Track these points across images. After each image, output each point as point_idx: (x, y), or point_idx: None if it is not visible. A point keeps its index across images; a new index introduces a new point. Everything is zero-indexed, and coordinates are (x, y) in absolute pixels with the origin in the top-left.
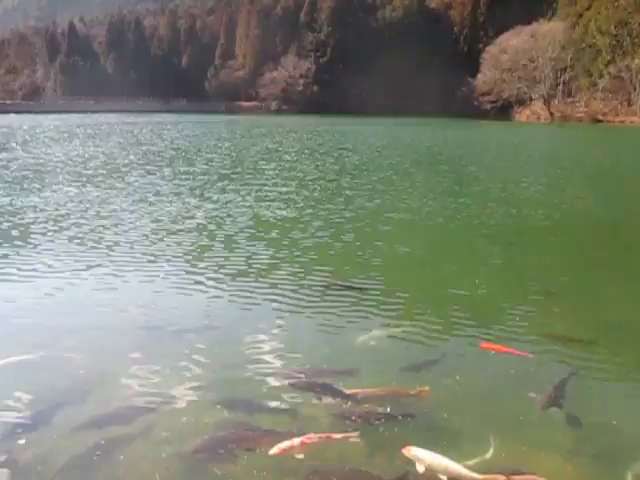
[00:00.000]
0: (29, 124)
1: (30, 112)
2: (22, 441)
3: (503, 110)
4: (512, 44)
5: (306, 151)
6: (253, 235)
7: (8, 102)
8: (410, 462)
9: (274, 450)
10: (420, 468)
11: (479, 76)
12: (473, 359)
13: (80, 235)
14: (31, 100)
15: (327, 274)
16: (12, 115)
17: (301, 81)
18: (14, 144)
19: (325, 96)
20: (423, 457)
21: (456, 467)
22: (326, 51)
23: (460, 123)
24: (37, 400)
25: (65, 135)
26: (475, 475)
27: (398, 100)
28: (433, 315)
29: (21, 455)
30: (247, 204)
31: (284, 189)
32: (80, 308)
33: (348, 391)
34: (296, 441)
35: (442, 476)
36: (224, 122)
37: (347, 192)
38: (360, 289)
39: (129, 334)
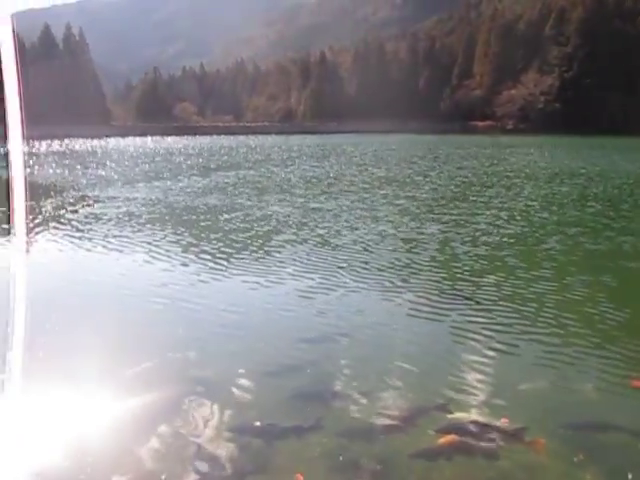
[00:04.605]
0: (268, 144)
1: (282, 133)
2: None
3: None
4: None
5: (533, 176)
6: (440, 272)
7: (266, 124)
8: None
9: None
10: None
11: None
12: None
13: (282, 248)
14: (285, 123)
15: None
16: (260, 136)
17: (542, 98)
18: (248, 163)
19: (568, 114)
20: None
21: None
22: (572, 65)
23: None
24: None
25: (293, 154)
26: None
27: None
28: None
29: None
30: (441, 236)
31: (492, 220)
32: (254, 312)
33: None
34: None
35: None
36: (453, 143)
37: (567, 229)
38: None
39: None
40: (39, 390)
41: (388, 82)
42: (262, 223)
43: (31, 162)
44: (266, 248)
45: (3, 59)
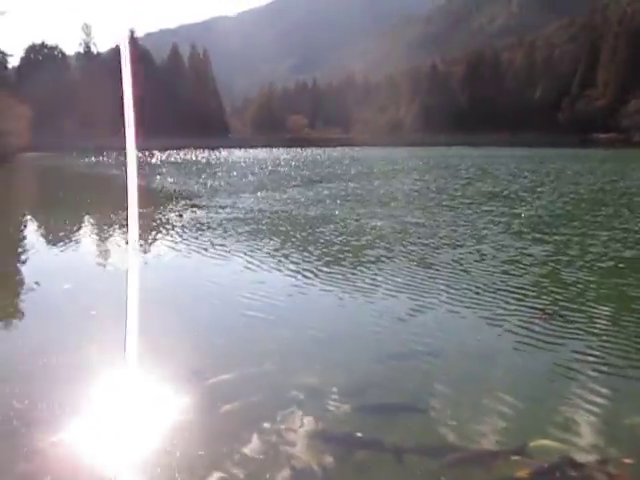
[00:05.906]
0: (373, 156)
1: (389, 145)
2: None
3: None
4: None
5: None
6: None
7: (374, 136)
8: None
9: None
10: None
11: None
12: None
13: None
14: (393, 135)
15: None
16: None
17: None
18: (350, 175)
19: None
20: None
21: None
22: None
23: None
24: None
25: (397, 167)
26: None
27: None
28: None
29: None
30: (547, 258)
31: (607, 243)
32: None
33: None
34: None
35: None
36: (570, 156)
37: None
38: None
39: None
40: (141, 385)
41: (501, 93)
42: (359, 236)
43: (153, 172)
44: (360, 262)
45: (124, 76)
